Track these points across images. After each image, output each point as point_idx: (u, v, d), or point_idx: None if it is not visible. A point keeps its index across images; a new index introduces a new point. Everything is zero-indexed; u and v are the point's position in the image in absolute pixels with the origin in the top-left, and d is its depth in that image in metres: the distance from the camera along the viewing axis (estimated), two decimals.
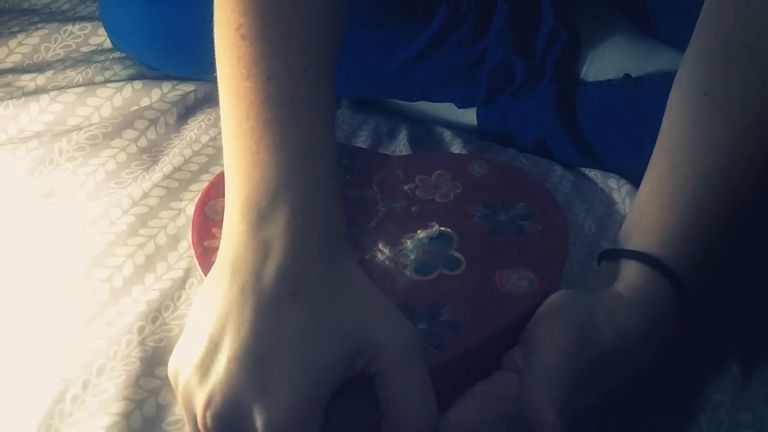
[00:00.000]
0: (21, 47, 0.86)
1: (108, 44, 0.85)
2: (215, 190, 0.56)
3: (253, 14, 0.50)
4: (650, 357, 0.51)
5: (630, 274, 0.50)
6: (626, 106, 0.72)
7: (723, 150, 0.52)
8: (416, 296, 0.49)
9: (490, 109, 0.78)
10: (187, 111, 0.77)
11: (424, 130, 0.79)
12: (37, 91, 0.79)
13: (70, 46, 0.86)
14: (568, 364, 0.45)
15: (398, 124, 0.79)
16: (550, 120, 0.75)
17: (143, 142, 0.73)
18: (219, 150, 0.71)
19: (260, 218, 0.46)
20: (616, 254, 0.52)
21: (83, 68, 0.82)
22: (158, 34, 0.79)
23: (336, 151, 0.50)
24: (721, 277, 0.54)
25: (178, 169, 0.69)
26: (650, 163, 0.55)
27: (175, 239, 0.63)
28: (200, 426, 0.42)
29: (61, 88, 0.78)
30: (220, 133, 0.52)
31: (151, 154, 0.72)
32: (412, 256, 0.52)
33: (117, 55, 0.84)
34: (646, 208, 0.53)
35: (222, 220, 0.49)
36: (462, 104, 0.80)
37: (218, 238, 0.48)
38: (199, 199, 0.58)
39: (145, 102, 0.77)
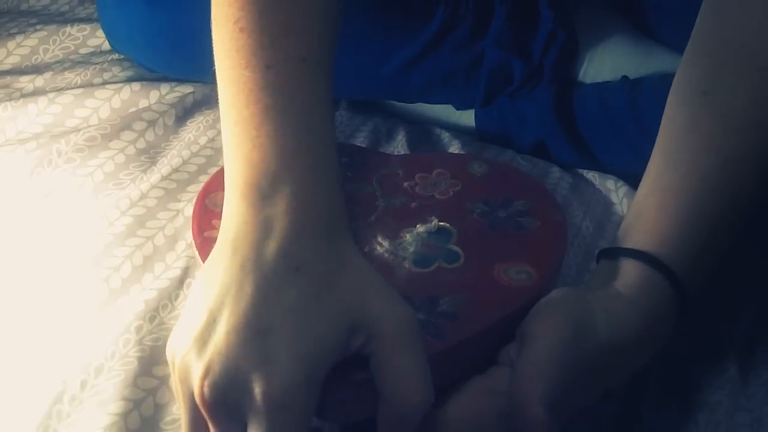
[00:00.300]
0: (19, 49, 0.86)
1: (106, 46, 0.85)
2: (216, 183, 0.56)
3: (250, 8, 0.51)
4: (648, 355, 0.51)
5: (628, 272, 0.50)
6: (624, 108, 0.72)
7: (721, 150, 0.52)
8: (415, 288, 0.49)
9: (488, 111, 0.78)
10: (185, 113, 0.77)
11: (422, 132, 0.79)
12: (36, 93, 0.79)
13: (69, 47, 0.86)
14: (560, 360, 0.45)
15: (396, 125, 0.79)
16: (548, 121, 0.75)
17: (141, 144, 0.73)
18: (217, 151, 0.71)
19: (261, 199, 0.46)
20: (614, 253, 0.52)
21: (82, 70, 0.82)
22: (156, 36, 0.79)
23: (335, 137, 0.51)
24: (720, 276, 0.54)
25: (176, 170, 0.69)
26: (649, 162, 0.55)
27: (173, 240, 0.63)
28: (197, 397, 0.42)
29: (59, 90, 0.78)
30: (218, 134, 0.52)
31: (150, 155, 0.72)
32: (411, 249, 0.52)
33: (115, 56, 0.84)
34: (644, 208, 0.53)
35: (222, 212, 0.49)
36: (460, 106, 0.80)
37: (218, 229, 0.48)
38: (201, 191, 0.58)
39: (143, 104, 0.77)
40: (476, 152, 0.75)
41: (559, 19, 0.75)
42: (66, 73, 0.81)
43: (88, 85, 0.80)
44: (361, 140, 0.76)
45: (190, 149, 0.72)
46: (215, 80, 0.53)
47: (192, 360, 0.42)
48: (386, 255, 0.52)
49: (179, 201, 0.66)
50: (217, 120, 0.52)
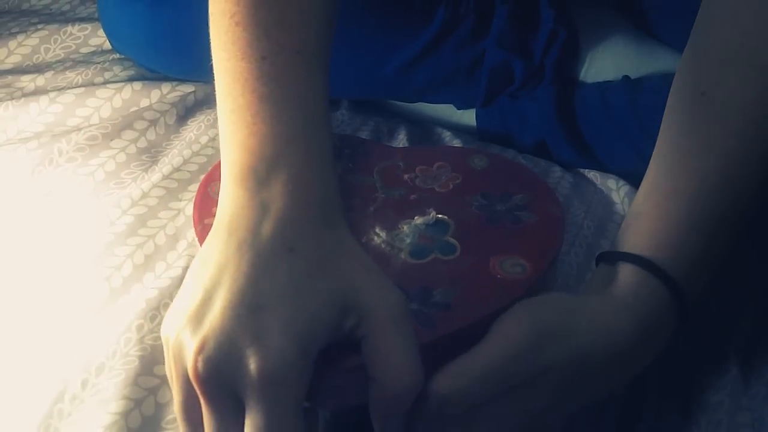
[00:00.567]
0: (21, 48, 0.86)
1: (108, 45, 0.85)
2: (218, 173, 0.56)
3: (246, 2, 0.52)
4: (647, 360, 0.50)
5: (624, 276, 0.50)
6: (625, 108, 0.72)
7: (719, 151, 0.52)
8: (409, 278, 0.49)
9: (489, 110, 0.78)
10: (186, 112, 0.77)
11: (423, 131, 0.79)
12: (37, 92, 0.79)
13: (70, 47, 0.86)
14: (502, 369, 0.45)
15: (398, 124, 0.79)
16: (550, 121, 0.75)
17: (143, 143, 0.73)
18: (218, 150, 0.70)
19: (257, 183, 0.47)
20: (612, 257, 0.52)
21: (83, 69, 0.82)
22: (157, 37, 0.79)
23: (331, 126, 0.51)
24: (721, 277, 0.54)
25: (177, 169, 0.69)
26: (649, 164, 0.55)
27: (174, 239, 0.63)
28: (191, 372, 0.42)
29: (60, 89, 0.78)
30: (219, 133, 0.52)
31: (151, 154, 0.72)
32: (408, 240, 0.52)
33: (116, 56, 0.84)
34: (642, 210, 0.53)
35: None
36: (461, 105, 0.80)
37: None
38: (203, 180, 0.59)
39: (144, 103, 0.77)
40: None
41: (560, 18, 0.75)
42: (67, 72, 0.82)
43: (90, 84, 0.80)
44: None
45: (192, 148, 0.72)
46: (214, 77, 0.53)
47: (186, 337, 0.43)
48: (383, 245, 0.52)
49: (180, 200, 0.66)
50: (218, 119, 0.52)
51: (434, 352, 0.45)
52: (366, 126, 0.78)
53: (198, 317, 0.43)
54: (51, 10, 0.93)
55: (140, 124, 0.74)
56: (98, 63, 0.83)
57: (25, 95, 0.79)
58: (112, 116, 0.76)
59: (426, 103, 0.81)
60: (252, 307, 0.42)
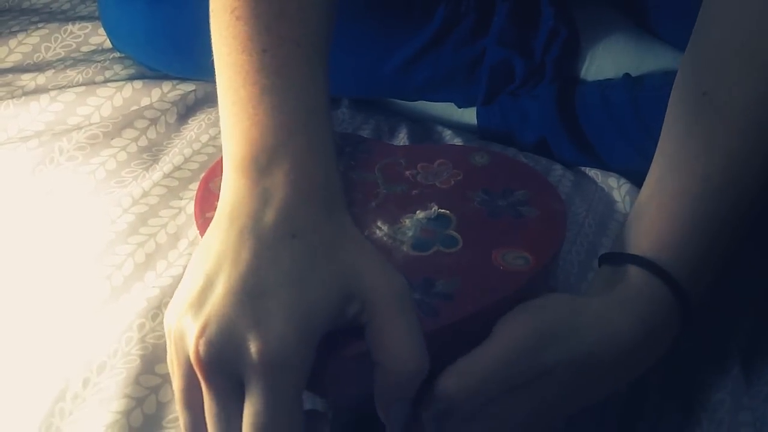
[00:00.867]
0: (21, 47, 0.86)
1: (108, 44, 0.85)
2: (220, 169, 0.56)
3: None
4: (650, 361, 0.50)
5: (627, 278, 0.50)
6: (626, 106, 0.72)
7: (721, 151, 0.52)
8: (411, 270, 0.49)
9: (490, 109, 0.78)
10: (187, 110, 0.77)
11: (424, 130, 0.79)
12: (38, 91, 0.79)
13: (71, 45, 0.86)
14: (498, 368, 0.45)
15: (398, 123, 0.79)
16: (550, 119, 0.75)
17: (143, 142, 0.73)
18: (219, 149, 0.70)
19: (259, 172, 0.47)
20: (615, 258, 0.52)
21: (83, 68, 0.82)
22: (157, 35, 0.79)
23: (332, 118, 0.52)
24: (722, 277, 0.53)
25: (178, 168, 0.69)
26: (651, 164, 0.55)
27: (176, 238, 0.63)
28: (193, 356, 0.42)
29: (61, 88, 0.78)
30: (220, 132, 0.52)
31: (152, 153, 0.72)
32: (410, 234, 0.52)
33: (117, 54, 0.84)
34: (645, 211, 0.53)
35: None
36: (462, 104, 0.80)
37: None
38: (205, 175, 0.59)
39: (145, 101, 0.77)
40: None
41: (560, 16, 0.75)
42: (68, 71, 0.81)
43: (90, 83, 0.80)
44: None
45: (192, 147, 0.72)
46: (215, 72, 0.53)
47: (188, 322, 0.43)
48: (385, 239, 0.52)
49: (181, 199, 0.66)
50: (219, 118, 0.52)
51: (437, 341, 0.45)
52: (367, 125, 0.78)
53: (199, 303, 0.43)
54: (51, 8, 0.93)
55: (141, 123, 0.74)
56: (99, 61, 0.83)
57: (25, 94, 0.79)
58: (112, 115, 0.76)
59: (427, 102, 0.81)
60: (254, 292, 0.42)
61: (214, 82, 0.53)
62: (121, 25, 0.81)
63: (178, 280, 0.59)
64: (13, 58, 0.85)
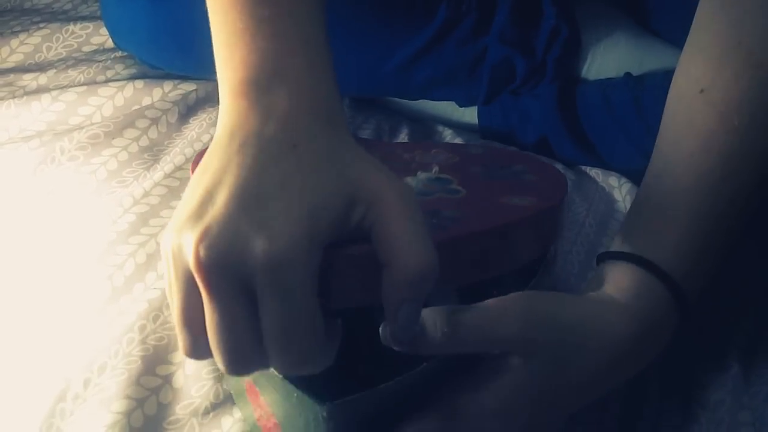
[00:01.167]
0: (23, 47, 0.86)
1: (110, 44, 0.85)
2: None
3: None
4: (647, 361, 0.50)
5: (625, 277, 0.50)
6: (627, 105, 0.72)
7: (718, 149, 0.52)
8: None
9: (491, 108, 0.78)
10: (188, 110, 0.77)
11: (425, 129, 0.79)
12: (39, 91, 0.79)
13: (72, 45, 0.86)
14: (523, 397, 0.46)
15: (399, 122, 0.79)
16: (551, 118, 0.75)
17: (145, 141, 0.73)
18: None
19: (259, 93, 0.45)
20: (612, 257, 0.52)
21: (85, 68, 0.82)
22: (160, 32, 0.79)
23: (331, 49, 0.50)
24: (721, 276, 0.54)
25: (179, 167, 0.69)
26: (649, 163, 0.55)
27: None
28: (193, 263, 0.39)
29: (62, 88, 0.78)
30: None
31: (153, 153, 0.72)
32: (413, 185, 0.52)
33: (119, 54, 0.85)
34: (642, 210, 0.53)
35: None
36: (463, 103, 0.80)
37: None
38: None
39: (146, 101, 0.77)
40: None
41: (562, 15, 0.75)
42: (69, 70, 0.82)
43: (92, 82, 0.80)
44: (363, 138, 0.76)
45: (194, 146, 0.72)
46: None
47: (187, 233, 0.40)
48: None
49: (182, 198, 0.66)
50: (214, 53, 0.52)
51: (445, 255, 0.43)
52: (368, 124, 0.78)
53: (199, 214, 0.40)
54: (53, 8, 0.93)
55: (142, 123, 0.74)
56: (100, 61, 0.83)
57: (27, 94, 0.79)
58: (114, 114, 0.76)
59: (428, 101, 0.81)
60: (257, 196, 0.41)
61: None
62: (123, 23, 0.81)
63: None
64: (15, 58, 0.85)
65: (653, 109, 0.69)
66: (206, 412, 0.53)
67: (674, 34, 0.73)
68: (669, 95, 0.55)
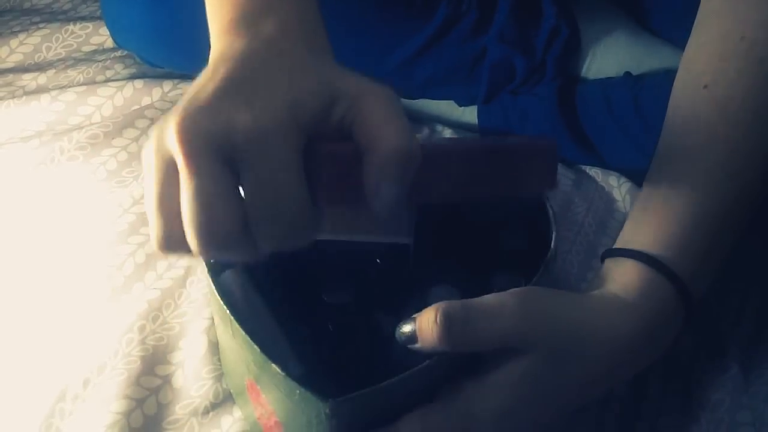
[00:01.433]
0: (22, 47, 0.86)
1: (109, 44, 0.85)
2: None
3: None
4: (652, 359, 0.50)
5: (630, 274, 0.50)
6: (627, 104, 0.72)
7: (722, 145, 0.52)
8: None
9: (490, 107, 0.78)
10: None
11: (425, 129, 0.79)
12: (39, 91, 0.79)
13: (72, 45, 0.86)
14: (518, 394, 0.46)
15: None
16: (551, 118, 0.75)
17: (144, 141, 0.73)
18: None
19: (247, 26, 0.47)
20: (617, 254, 0.52)
21: (84, 67, 0.82)
22: (160, 30, 0.79)
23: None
24: (722, 274, 0.53)
25: None
26: (653, 159, 0.55)
27: None
28: (175, 134, 0.39)
29: (62, 88, 0.78)
30: None
31: None
32: None
33: (118, 54, 0.85)
34: (647, 206, 0.53)
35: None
36: (463, 102, 0.80)
37: None
38: None
39: (146, 101, 0.77)
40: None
41: (562, 14, 0.75)
42: (69, 70, 0.82)
43: (91, 82, 0.80)
44: None
45: None
46: None
47: (170, 118, 0.40)
48: None
49: None
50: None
51: (437, 164, 0.44)
52: None
53: (183, 106, 0.40)
54: (52, 8, 0.93)
55: (142, 123, 0.74)
56: (100, 61, 0.83)
57: (26, 94, 0.79)
58: (113, 114, 0.76)
59: (428, 101, 0.81)
60: (241, 84, 0.41)
61: None
62: (123, 21, 0.81)
63: (178, 281, 0.59)
64: (15, 58, 0.85)
65: (653, 108, 0.69)
66: (206, 412, 0.53)
67: (674, 34, 0.74)
68: (672, 92, 0.55)
